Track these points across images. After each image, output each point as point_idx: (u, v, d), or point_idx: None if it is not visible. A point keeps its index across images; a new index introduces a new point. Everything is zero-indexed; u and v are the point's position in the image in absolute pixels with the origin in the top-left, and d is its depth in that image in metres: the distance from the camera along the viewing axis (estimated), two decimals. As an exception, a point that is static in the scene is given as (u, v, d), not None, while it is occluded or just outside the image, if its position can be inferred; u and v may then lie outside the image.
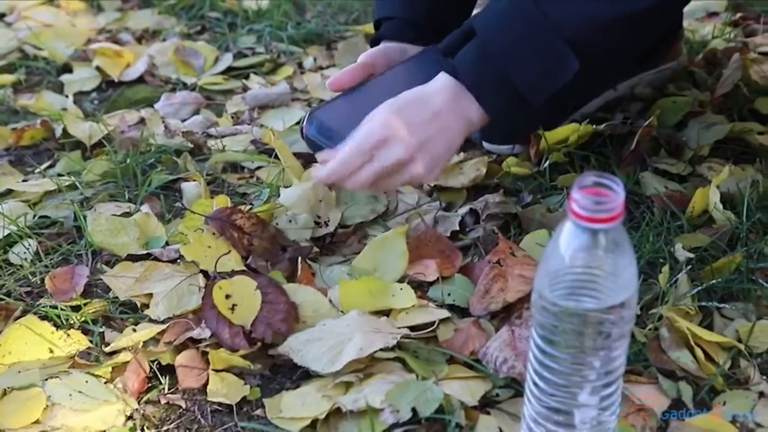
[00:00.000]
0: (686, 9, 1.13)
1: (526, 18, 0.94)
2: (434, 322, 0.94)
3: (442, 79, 0.99)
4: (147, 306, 1.00)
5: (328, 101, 1.09)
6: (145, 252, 1.09)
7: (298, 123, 1.38)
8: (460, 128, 0.98)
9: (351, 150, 0.97)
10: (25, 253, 1.11)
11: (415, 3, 1.19)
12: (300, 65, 1.64)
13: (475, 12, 1.20)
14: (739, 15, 1.65)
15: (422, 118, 0.96)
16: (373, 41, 1.21)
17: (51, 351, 0.94)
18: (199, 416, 0.88)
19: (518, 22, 0.95)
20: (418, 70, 1.09)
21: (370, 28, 1.49)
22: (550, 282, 0.68)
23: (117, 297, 1.02)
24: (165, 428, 0.87)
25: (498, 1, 0.98)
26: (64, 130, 1.40)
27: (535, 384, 0.73)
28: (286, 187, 1.18)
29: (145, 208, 1.17)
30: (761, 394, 0.86)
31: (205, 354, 0.93)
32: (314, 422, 0.85)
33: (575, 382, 0.70)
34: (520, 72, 0.95)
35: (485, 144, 1.24)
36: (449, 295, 0.99)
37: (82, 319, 0.99)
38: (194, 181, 1.23)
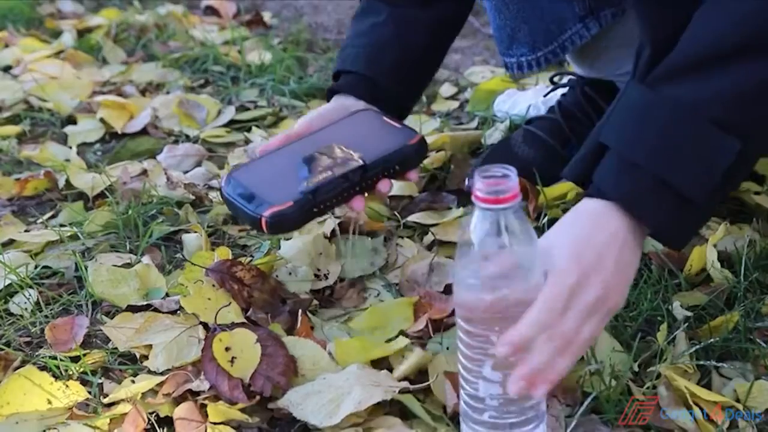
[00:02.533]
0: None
1: (659, 111, 0.83)
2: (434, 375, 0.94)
3: (589, 208, 0.84)
4: (146, 357, 1.00)
5: (248, 162, 1.11)
6: (145, 303, 1.09)
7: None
8: (628, 251, 0.83)
9: (546, 304, 0.77)
10: (25, 303, 1.11)
11: (378, 61, 1.17)
12: (302, 119, 1.65)
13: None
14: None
15: (594, 256, 0.81)
16: (329, 92, 1.21)
17: (49, 402, 0.93)
18: (197, 469, 0.88)
19: (651, 119, 0.83)
20: (347, 129, 1.11)
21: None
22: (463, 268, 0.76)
23: (116, 348, 1.02)
24: (162, 481, 0.87)
25: (613, 109, 0.88)
26: (67, 181, 1.42)
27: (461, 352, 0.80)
28: (287, 239, 1.18)
29: (146, 259, 1.18)
30: (760, 454, 0.86)
31: (203, 406, 0.93)
32: (312, 477, 0.85)
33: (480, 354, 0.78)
34: (675, 170, 0.82)
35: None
36: (447, 349, 0.99)
37: (81, 369, 0.99)
38: (195, 232, 1.24)
